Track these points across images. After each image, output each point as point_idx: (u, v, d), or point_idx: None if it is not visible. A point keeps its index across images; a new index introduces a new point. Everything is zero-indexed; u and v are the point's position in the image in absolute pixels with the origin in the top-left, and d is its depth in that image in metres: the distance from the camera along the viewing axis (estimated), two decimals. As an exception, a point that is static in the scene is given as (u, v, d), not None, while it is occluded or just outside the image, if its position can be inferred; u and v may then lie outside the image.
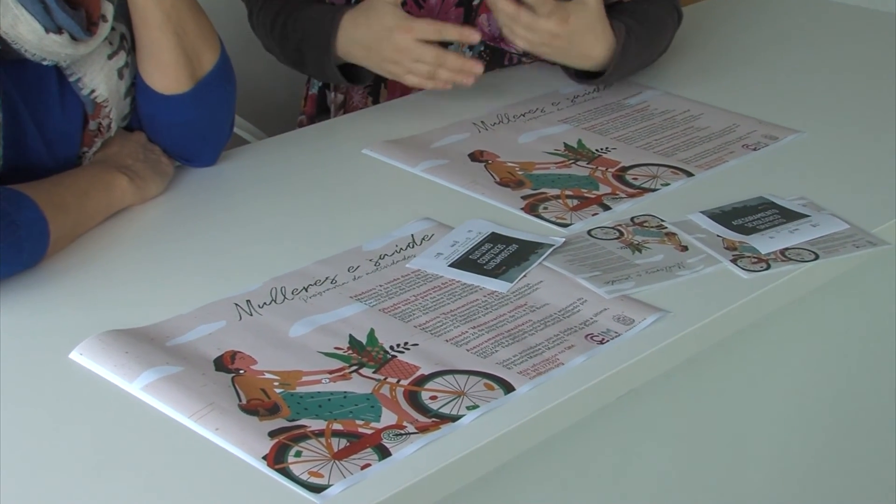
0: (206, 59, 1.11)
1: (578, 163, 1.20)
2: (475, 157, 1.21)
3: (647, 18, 1.38)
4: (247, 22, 1.43)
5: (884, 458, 1.36)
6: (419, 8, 1.36)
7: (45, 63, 1.02)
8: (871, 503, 1.38)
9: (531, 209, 1.10)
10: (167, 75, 1.09)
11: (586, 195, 1.13)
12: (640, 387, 0.92)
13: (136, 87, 1.11)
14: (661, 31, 1.41)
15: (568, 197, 1.13)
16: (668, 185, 1.16)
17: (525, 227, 1.07)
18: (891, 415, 1.33)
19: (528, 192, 1.14)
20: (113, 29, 1.05)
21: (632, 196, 1.13)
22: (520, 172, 1.18)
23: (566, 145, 1.24)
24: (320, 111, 1.48)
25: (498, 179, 1.16)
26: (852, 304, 1.19)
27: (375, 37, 1.24)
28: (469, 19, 1.38)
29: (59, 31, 0.98)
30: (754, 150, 1.24)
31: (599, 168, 1.19)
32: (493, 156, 1.21)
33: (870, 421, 1.31)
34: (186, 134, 1.13)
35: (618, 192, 1.14)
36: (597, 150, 1.23)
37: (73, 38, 1.00)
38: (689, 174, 1.18)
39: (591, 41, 1.28)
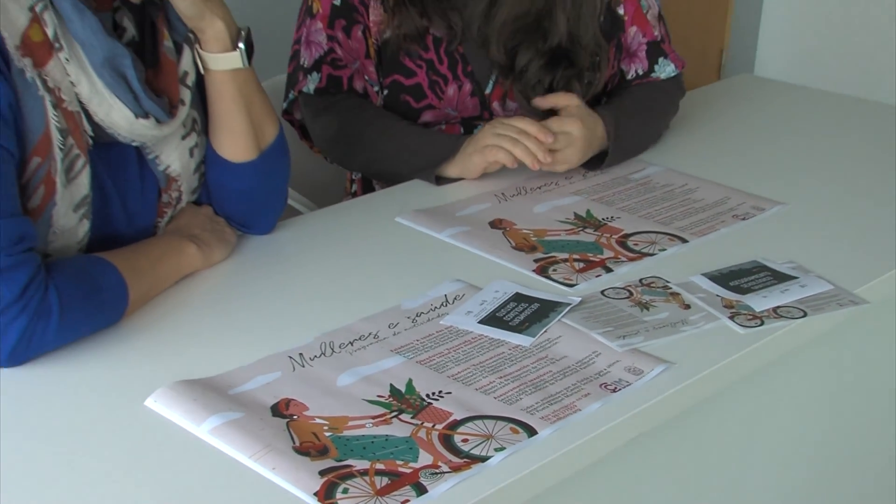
0: (268, 132, 1.12)
1: (586, 230, 1.20)
2: (494, 224, 1.20)
3: (642, 96, 1.40)
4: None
5: (875, 496, 1.33)
6: (439, 99, 1.37)
7: (133, 144, 1.03)
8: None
9: (542, 271, 1.09)
10: (237, 144, 1.10)
11: (591, 259, 1.12)
12: (649, 431, 0.91)
13: (208, 161, 1.11)
14: (660, 109, 1.43)
15: (575, 260, 1.12)
16: (664, 250, 1.15)
17: (536, 286, 1.06)
18: (879, 456, 1.31)
19: (539, 255, 1.13)
20: (186, 114, 1.07)
21: (632, 260, 1.12)
22: (533, 238, 1.17)
23: (576, 214, 1.24)
24: (367, 189, 1.48)
25: (514, 244, 1.15)
26: (838, 357, 1.18)
27: (469, 146, 1.28)
28: (485, 106, 1.38)
29: (146, 115, 1.00)
30: (743, 219, 1.23)
31: (605, 235, 1.18)
32: (511, 223, 1.21)
33: (860, 461, 1.29)
34: (250, 201, 1.14)
35: (619, 257, 1.13)
36: (603, 219, 1.22)
37: (158, 121, 1.01)
38: (684, 240, 1.17)
39: (592, 122, 1.31)
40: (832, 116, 1.60)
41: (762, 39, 3.00)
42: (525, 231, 1.19)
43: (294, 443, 0.82)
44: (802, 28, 2.93)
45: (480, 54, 1.35)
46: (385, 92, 1.37)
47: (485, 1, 1.33)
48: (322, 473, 0.78)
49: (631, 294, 1.05)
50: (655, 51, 1.43)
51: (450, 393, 0.89)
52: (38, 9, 0.93)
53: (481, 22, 1.33)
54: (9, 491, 0.77)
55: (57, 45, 0.95)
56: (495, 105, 1.38)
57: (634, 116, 1.36)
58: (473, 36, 1.34)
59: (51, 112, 0.94)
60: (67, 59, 0.95)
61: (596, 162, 1.33)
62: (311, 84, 1.36)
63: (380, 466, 0.79)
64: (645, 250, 1.15)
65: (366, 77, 1.37)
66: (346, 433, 0.83)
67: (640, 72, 1.44)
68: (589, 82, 1.35)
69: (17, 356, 0.90)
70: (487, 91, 1.37)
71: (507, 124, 1.27)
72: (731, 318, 1.01)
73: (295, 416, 0.85)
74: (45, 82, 0.94)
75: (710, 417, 1.03)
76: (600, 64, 1.36)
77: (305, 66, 1.36)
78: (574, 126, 1.28)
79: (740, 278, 1.08)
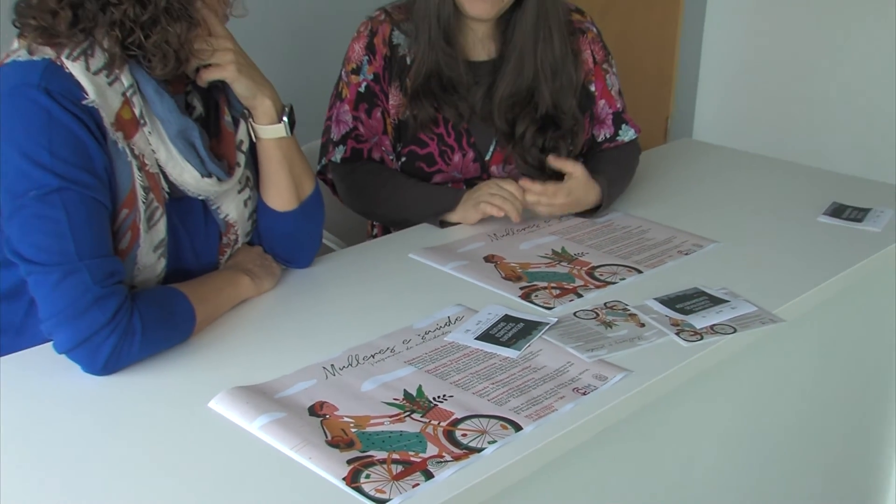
0: (306, 187, 1.12)
1: (561, 263, 1.19)
2: (488, 259, 1.20)
3: (619, 161, 1.42)
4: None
5: (796, 475, 1.32)
6: (447, 165, 1.37)
7: (199, 198, 1.04)
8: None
9: (526, 297, 1.09)
10: (282, 197, 1.10)
11: (566, 287, 1.12)
12: (612, 425, 0.90)
13: (259, 210, 1.12)
14: (630, 169, 1.45)
15: (552, 288, 1.12)
16: (624, 279, 1.15)
17: (522, 309, 1.06)
18: (797, 443, 1.30)
19: (524, 284, 1.12)
20: (241, 173, 1.08)
21: (598, 287, 1.12)
22: (519, 270, 1.17)
23: (553, 251, 1.23)
24: (385, 232, 1.49)
25: (503, 275, 1.15)
26: (761, 364, 1.16)
27: (467, 199, 1.29)
28: (484, 170, 1.39)
29: (210, 175, 1.00)
30: (686, 254, 1.23)
31: (576, 267, 1.18)
32: (501, 258, 1.21)
33: (782, 447, 1.27)
34: (292, 242, 1.14)
35: (588, 285, 1.13)
36: (575, 254, 1.22)
37: (219, 179, 1.02)
38: (639, 271, 1.17)
39: (587, 195, 1.32)
40: (755, 172, 1.60)
41: (698, 112, 3.03)
42: (513, 264, 1.19)
43: (326, 437, 0.81)
44: (730, 102, 2.96)
45: (481, 128, 1.36)
46: (403, 159, 1.38)
47: (484, 87, 1.34)
48: (349, 462, 0.78)
49: (597, 315, 1.05)
50: (619, 119, 1.45)
51: (452, 396, 0.88)
52: (128, 94, 0.94)
53: (484, 102, 1.34)
54: (102, 475, 0.77)
55: (142, 121, 0.96)
56: (493, 169, 1.38)
57: (618, 179, 1.38)
58: (477, 114, 1.35)
59: (136, 174, 0.95)
60: (150, 132, 0.96)
61: (587, 211, 1.35)
62: (337, 154, 1.37)
63: (395, 456, 0.79)
64: (608, 279, 1.14)
65: (383, 148, 1.38)
66: (369, 429, 0.82)
67: (608, 136, 1.45)
68: (572, 143, 1.37)
69: (109, 367, 0.90)
70: (487, 158, 1.38)
71: (499, 186, 1.28)
72: (677, 334, 1.01)
73: (327, 416, 0.85)
74: (132, 150, 0.95)
75: (662, 414, 1.02)
76: (578, 132, 1.37)
77: (334, 139, 1.37)
78: (561, 195, 1.29)
79: (684, 302, 1.08)
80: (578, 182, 1.30)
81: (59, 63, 0.91)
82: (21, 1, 0.92)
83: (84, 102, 0.90)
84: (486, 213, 1.28)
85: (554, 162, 1.31)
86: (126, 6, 0.90)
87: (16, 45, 0.93)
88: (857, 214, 1.36)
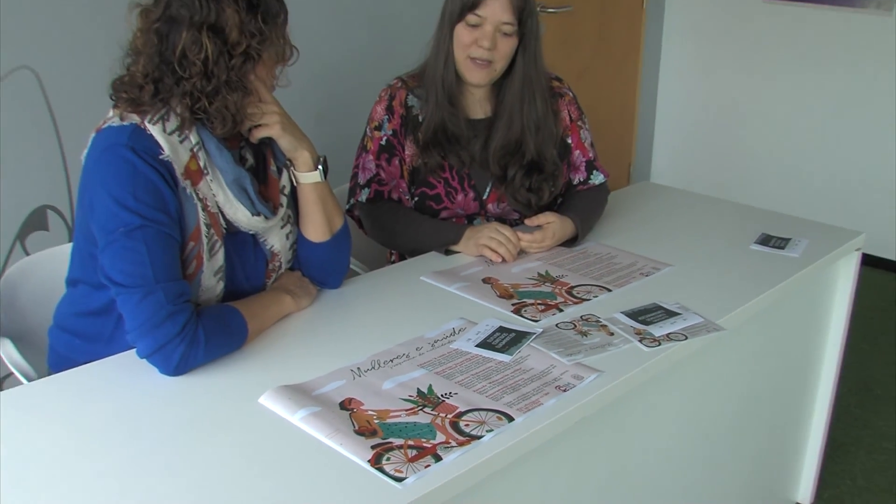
0: (336, 222, 1.12)
1: (546, 284, 1.20)
2: (486, 280, 1.20)
3: (591, 200, 1.43)
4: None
5: (733, 456, 1.31)
6: (452, 203, 1.38)
7: (250, 233, 1.05)
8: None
9: (517, 311, 1.09)
10: (317, 231, 1.11)
11: (549, 303, 1.12)
12: (588, 416, 0.90)
13: (298, 241, 1.12)
14: (600, 206, 1.46)
15: (538, 304, 1.12)
16: (597, 296, 1.15)
17: (513, 322, 1.06)
18: (738, 428, 1.29)
19: (515, 301, 1.13)
20: (284, 212, 1.09)
21: (576, 303, 1.12)
22: (511, 290, 1.17)
23: (539, 273, 1.24)
24: (401, 258, 1.49)
25: (498, 294, 1.15)
26: (707, 364, 1.16)
27: (470, 237, 1.29)
28: (482, 207, 1.41)
29: (259, 214, 1.02)
30: (646, 275, 1.23)
31: (558, 287, 1.18)
32: (496, 280, 1.21)
33: (727, 431, 1.27)
34: (325, 267, 1.14)
35: (568, 301, 1.13)
36: (556, 276, 1.23)
37: (266, 218, 1.03)
38: (609, 290, 1.17)
39: (564, 230, 1.33)
40: (701, 208, 1.61)
41: (654, 159, 3.05)
42: (506, 285, 1.19)
43: (354, 427, 0.81)
44: (680, 152, 2.98)
45: (479, 173, 1.38)
46: (416, 198, 1.40)
47: (481, 139, 1.37)
48: (373, 448, 0.78)
49: (575, 326, 1.05)
50: (591, 166, 1.47)
51: (456, 393, 0.88)
52: (195, 149, 0.97)
53: (481, 152, 1.37)
54: (174, 455, 0.78)
55: (205, 171, 0.98)
56: (490, 206, 1.40)
57: (590, 214, 1.40)
58: (476, 161, 1.37)
59: (201, 214, 0.97)
60: (211, 180, 0.98)
61: (566, 242, 1.35)
62: (363, 196, 1.39)
63: (410, 443, 0.79)
64: (584, 297, 1.15)
65: (400, 190, 1.40)
66: (388, 421, 0.83)
67: (582, 179, 1.46)
68: (553, 185, 1.39)
69: (180, 369, 0.91)
70: (485, 197, 1.40)
71: (498, 231, 1.28)
72: (640, 341, 1.01)
73: (354, 410, 0.85)
74: (197, 195, 0.97)
75: (627, 407, 1.02)
76: (558, 176, 1.39)
77: (360, 183, 1.39)
78: (548, 239, 1.31)
79: (645, 314, 1.08)
80: (556, 225, 1.32)
81: (142, 126, 0.94)
82: (116, 80, 0.96)
83: (161, 157, 0.93)
84: (484, 255, 1.29)
85: (529, 223, 1.34)
86: (195, 80, 0.93)
87: (111, 113, 0.97)
88: (780, 243, 1.37)
